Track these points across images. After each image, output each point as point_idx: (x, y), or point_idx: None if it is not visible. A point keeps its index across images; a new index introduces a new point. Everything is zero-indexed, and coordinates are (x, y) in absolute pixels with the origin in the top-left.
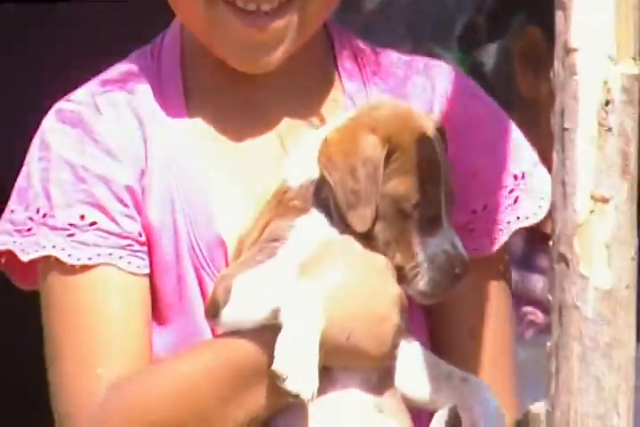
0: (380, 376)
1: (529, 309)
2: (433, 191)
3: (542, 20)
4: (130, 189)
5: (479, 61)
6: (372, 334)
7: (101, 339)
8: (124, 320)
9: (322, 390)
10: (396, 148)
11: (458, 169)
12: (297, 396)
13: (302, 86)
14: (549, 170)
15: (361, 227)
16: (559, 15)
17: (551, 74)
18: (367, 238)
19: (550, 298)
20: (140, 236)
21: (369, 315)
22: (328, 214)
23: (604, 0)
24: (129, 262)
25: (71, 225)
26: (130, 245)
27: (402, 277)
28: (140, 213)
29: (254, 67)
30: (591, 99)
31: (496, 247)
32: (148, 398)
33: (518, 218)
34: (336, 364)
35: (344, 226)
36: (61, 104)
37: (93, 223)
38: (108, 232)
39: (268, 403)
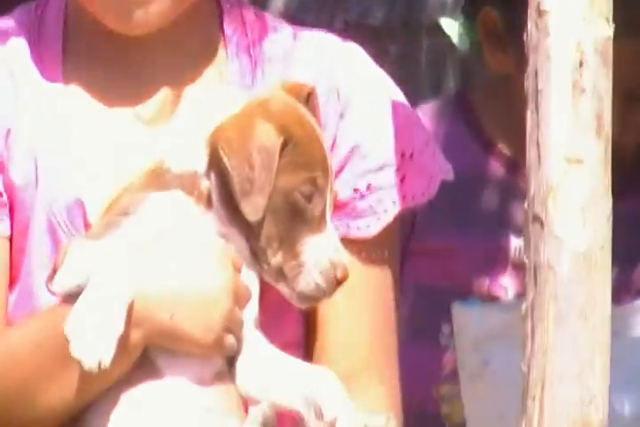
0: (215, 370)
1: None
2: (323, 187)
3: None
4: None
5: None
6: (196, 315)
7: None
8: None
9: (144, 380)
10: (289, 140)
11: (344, 145)
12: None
13: (185, 54)
14: (524, 132)
15: (253, 216)
16: None
17: (524, 36)
18: (248, 234)
19: (525, 259)
20: (1, 196)
21: (194, 296)
22: (208, 206)
23: None
24: None
25: None
26: None
27: (280, 276)
28: (2, 171)
29: (129, 25)
30: (565, 60)
31: (380, 227)
32: None
33: (404, 197)
34: (160, 346)
35: (228, 218)
36: None
37: None
38: None
39: (82, 384)
